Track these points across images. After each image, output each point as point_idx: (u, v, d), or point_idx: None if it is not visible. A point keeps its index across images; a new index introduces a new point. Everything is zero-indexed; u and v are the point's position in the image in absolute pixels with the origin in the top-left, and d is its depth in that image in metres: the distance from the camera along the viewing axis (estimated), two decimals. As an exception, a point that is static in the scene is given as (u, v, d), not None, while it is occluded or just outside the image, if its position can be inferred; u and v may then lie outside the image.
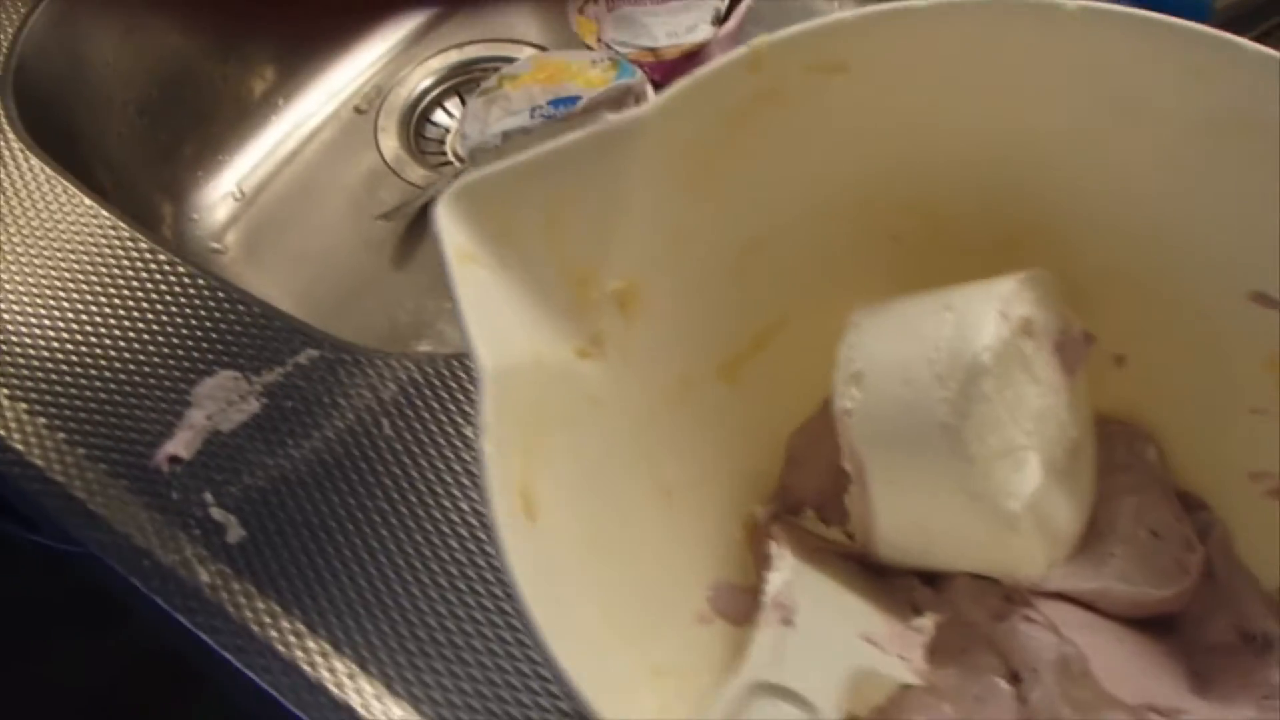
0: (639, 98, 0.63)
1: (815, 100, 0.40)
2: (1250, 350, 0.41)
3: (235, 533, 0.49)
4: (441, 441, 0.51)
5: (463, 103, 0.81)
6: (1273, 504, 0.41)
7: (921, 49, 0.39)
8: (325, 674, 0.44)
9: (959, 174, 0.43)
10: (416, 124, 0.80)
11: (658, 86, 0.63)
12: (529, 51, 0.81)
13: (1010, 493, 0.37)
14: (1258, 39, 0.39)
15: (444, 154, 0.78)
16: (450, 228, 0.34)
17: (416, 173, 0.77)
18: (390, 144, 0.79)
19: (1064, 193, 0.42)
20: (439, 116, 0.81)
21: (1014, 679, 0.38)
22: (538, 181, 0.36)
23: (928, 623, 0.38)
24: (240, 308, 0.56)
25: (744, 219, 0.42)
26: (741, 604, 0.41)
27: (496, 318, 0.34)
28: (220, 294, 0.56)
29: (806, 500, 0.45)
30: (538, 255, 0.36)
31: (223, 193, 0.80)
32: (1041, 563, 0.39)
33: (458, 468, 0.50)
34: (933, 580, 0.41)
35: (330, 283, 0.74)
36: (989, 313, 0.38)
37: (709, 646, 0.40)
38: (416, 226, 0.73)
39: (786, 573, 0.38)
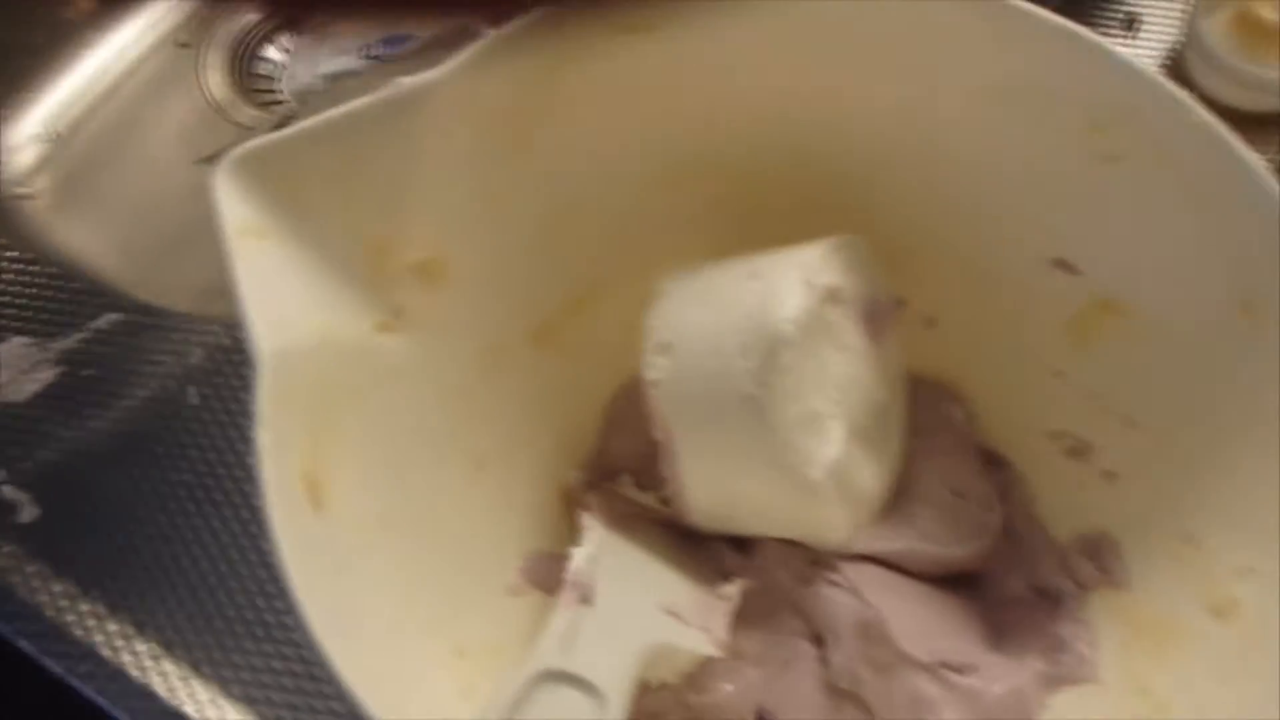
0: (473, 38, 0.62)
1: (622, 61, 0.39)
2: (1052, 314, 0.43)
3: (29, 511, 0.47)
4: (253, 410, 0.50)
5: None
6: (1070, 463, 0.43)
7: (727, 10, 0.39)
8: (127, 657, 0.43)
9: (773, 137, 0.43)
10: (245, 60, 0.76)
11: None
12: None
13: (812, 461, 0.38)
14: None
15: (275, 93, 0.75)
16: (230, 198, 0.33)
17: (246, 113, 0.73)
18: (217, 81, 0.75)
19: (876, 156, 0.43)
20: (270, 53, 0.77)
21: (817, 641, 0.39)
22: (329, 147, 0.35)
23: (734, 590, 0.39)
24: (34, 268, 0.53)
25: (555, 184, 0.41)
26: (557, 572, 0.42)
27: (280, 296, 0.33)
28: (11, 253, 0.53)
29: (624, 465, 0.45)
30: (331, 226, 0.35)
31: (31, 132, 0.75)
32: (844, 527, 0.40)
33: None
34: (744, 545, 0.42)
35: (152, 232, 0.70)
36: (794, 282, 0.38)
37: (519, 619, 0.40)
38: None
39: (591, 547, 0.38)
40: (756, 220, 0.43)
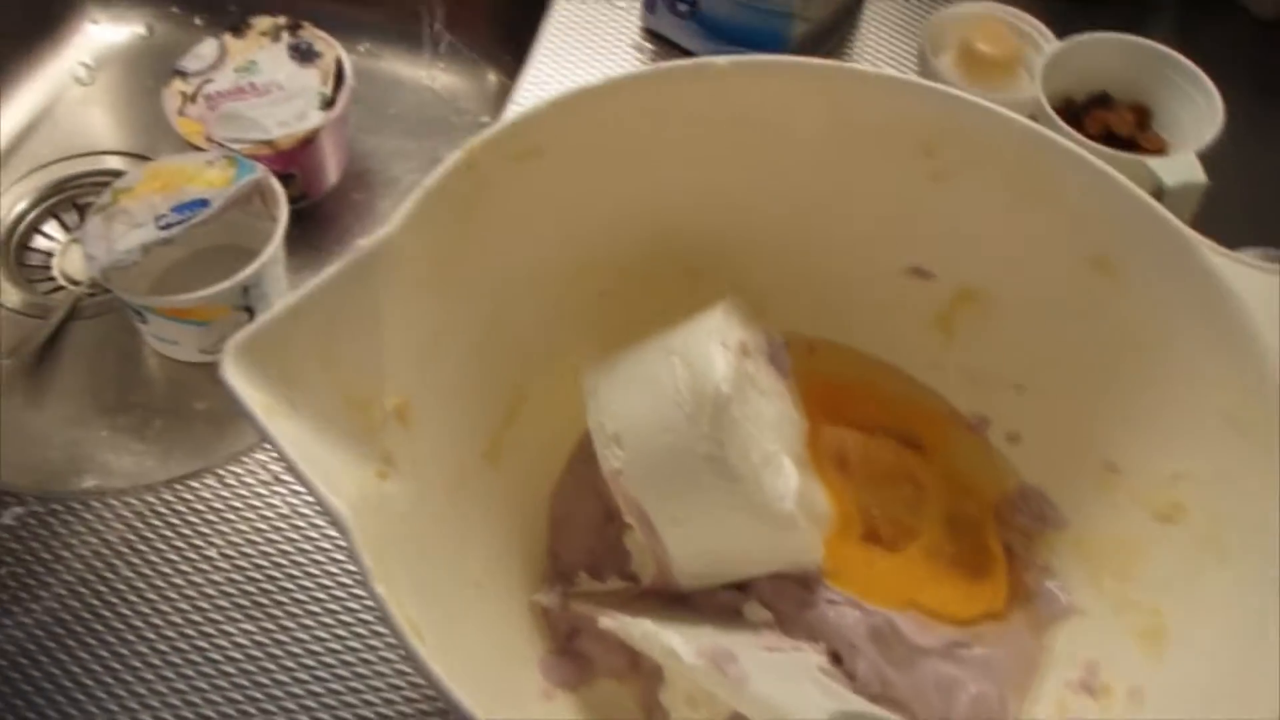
0: (265, 193, 0.65)
1: (521, 184, 0.45)
2: (917, 316, 0.52)
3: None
4: (187, 569, 0.52)
5: (61, 224, 0.79)
6: (974, 435, 0.52)
7: (601, 122, 0.46)
8: None
9: (647, 225, 0.50)
10: (16, 252, 0.77)
11: (282, 178, 0.66)
12: (118, 161, 0.82)
13: (781, 495, 0.44)
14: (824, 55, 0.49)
15: (52, 278, 0.76)
16: (244, 386, 0.36)
17: (27, 303, 0.74)
18: None
19: (738, 220, 0.51)
20: (39, 242, 0.78)
21: (835, 659, 0.45)
22: (308, 321, 0.39)
23: (765, 614, 0.45)
24: None
25: (480, 306, 0.46)
26: (566, 670, 0.46)
27: (320, 461, 0.36)
28: None
29: (577, 563, 0.50)
30: (320, 391, 0.39)
31: None
32: (819, 548, 0.47)
33: (211, 591, 0.52)
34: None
35: None
36: (712, 346, 0.45)
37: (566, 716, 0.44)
38: (46, 359, 0.70)
39: (665, 632, 0.42)
40: (641, 299, 0.50)
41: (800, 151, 0.49)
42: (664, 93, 0.46)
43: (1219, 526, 0.41)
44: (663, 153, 0.48)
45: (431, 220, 0.42)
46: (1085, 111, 0.66)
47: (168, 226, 0.62)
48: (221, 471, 0.56)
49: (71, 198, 0.80)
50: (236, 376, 0.36)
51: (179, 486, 0.56)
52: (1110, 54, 0.67)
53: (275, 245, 0.64)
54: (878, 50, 0.75)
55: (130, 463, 0.65)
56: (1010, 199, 0.47)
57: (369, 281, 0.40)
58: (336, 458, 0.38)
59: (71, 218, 0.79)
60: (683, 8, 0.71)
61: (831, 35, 0.73)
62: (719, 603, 0.47)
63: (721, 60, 0.46)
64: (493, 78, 0.86)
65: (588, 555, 0.50)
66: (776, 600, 0.46)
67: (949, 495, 0.51)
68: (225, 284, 0.61)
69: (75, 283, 0.75)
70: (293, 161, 0.71)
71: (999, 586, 0.48)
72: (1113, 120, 0.65)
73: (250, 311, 0.65)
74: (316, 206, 0.76)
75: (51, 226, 0.79)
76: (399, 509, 0.41)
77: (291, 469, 0.35)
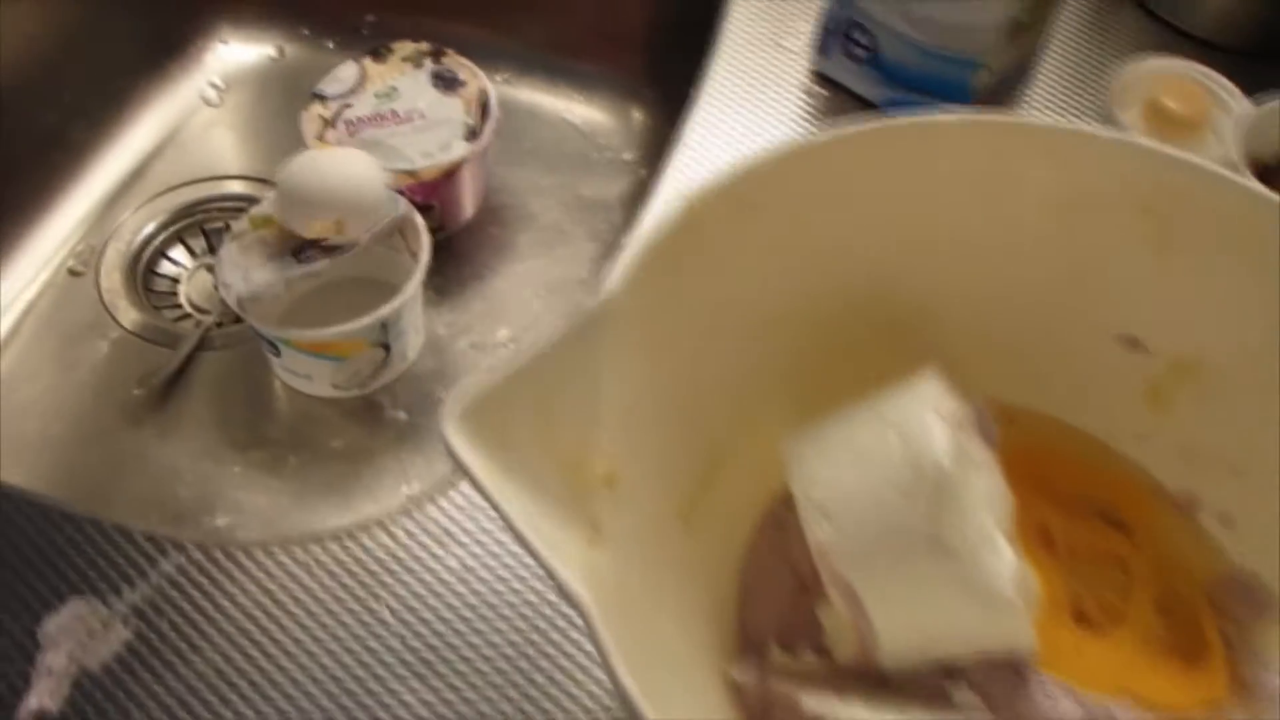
0: (406, 228, 0.64)
1: (733, 239, 0.44)
2: (1126, 385, 0.50)
3: (143, 777, 0.47)
4: (356, 626, 0.51)
5: (188, 249, 0.79)
6: (1182, 516, 0.50)
7: (817, 176, 0.45)
8: None
9: (850, 283, 0.49)
10: (143, 278, 0.77)
11: (421, 209, 0.65)
12: (243, 185, 0.82)
13: (998, 575, 0.42)
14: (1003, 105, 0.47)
15: (178, 305, 0.76)
16: (467, 451, 0.36)
17: (154, 329, 0.74)
18: (118, 303, 0.75)
19: (940, 280, 0.50)
20: (165, 267, 0.79)
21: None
22: (529, 384, 0.38)
23: (972, 697, 0.43)
24: (68, 527, 0.53)
25: (683, 366, 0.45)
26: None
27: (541, 530, 0.35)
28: (43, 517, 0.53)
29: (768, 632, 0.48)
30: (535, 455, 0.38)
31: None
32: (1033, 631, 0.45)
33: (381, 651, 0.51)
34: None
35: (87, 467, 0.68)
36: (929, 417, 0.43)
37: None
38: (175, 389, 0.70)
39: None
40: (840, 361, 0.49)
41: (1014, 211, 0.48)
42: (886, 148, 0.45)
43: None
44: (873, 209, 0.47)
45: (651, 277, 0.41)
46: (1276, 175, 0.64)
47: (308, 260, 0.62)
48: (392, 526, 0.55)
49: (199, 222, 0.80)
50: (460, 442, 0.36)
51: (345, 539, 0.54)
52: (1303, 115, 0.65)
53: (417, 281, 0.63)
54: (1054, 102, 0.73)
55: (264, 501, 0.65)
56: (1234, 269, 0.46)
57: (591, 343, 0.40)
58: (553, 525, 0.37)
59: (198, 243, 0.79)
60: (859, 52, 0.70)
61: (1012, 86, 0.72)
62: (924, 685, 0.45)
63: (949, 118, 0.45)
64: (637, 114, 0.86)
65: (779, 625, 0.48)
66: (988, 685, 0.45)
67: (1158, 577, 0.49)
68: (366, 319, 0.61)
69: (201, 309, 0.75)
70: (433, 193, 0.70)
71: (1216, 674, 0.46)
72: (1305, 185, 0.64)
73: (387, 348, 0.64)
74: (451, 239, 0.75)
75: (178, 252, 0.79)
76: (607, 579, 0.39)
77: (519, 540, 0.35)
